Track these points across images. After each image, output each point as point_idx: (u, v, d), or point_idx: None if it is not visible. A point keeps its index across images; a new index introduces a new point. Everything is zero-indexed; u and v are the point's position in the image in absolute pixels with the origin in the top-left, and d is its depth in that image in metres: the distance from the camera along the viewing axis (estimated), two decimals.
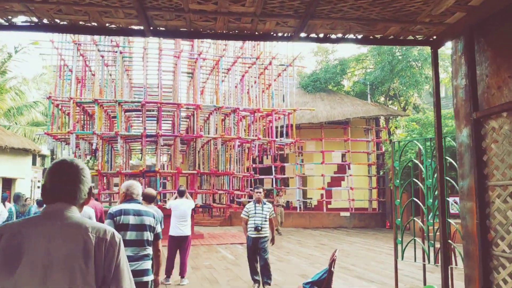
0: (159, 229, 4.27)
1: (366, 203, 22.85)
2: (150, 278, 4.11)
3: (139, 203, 4.27)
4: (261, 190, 7.55)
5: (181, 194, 8.76)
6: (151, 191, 6.42)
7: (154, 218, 4.20)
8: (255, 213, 7.37)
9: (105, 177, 17.14)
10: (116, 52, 14.70)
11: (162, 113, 17.47)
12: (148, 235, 4.11)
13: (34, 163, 33.02)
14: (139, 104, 15.16)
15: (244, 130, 17.59)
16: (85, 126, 16.26)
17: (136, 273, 3.85)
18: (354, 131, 22.99)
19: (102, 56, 15.44)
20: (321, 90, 25.42)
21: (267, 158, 22.36)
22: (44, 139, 20.50)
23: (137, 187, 4.29)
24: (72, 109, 14.40)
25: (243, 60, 16.94)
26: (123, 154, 15.85)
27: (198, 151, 17.11)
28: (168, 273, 8.48)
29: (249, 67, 16.60)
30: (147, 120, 18.31)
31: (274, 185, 22.69)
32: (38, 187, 29.10)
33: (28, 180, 22.96)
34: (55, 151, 31.62)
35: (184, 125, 19.95)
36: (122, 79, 16.29)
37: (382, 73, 23.46)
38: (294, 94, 17.99)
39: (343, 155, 23.08)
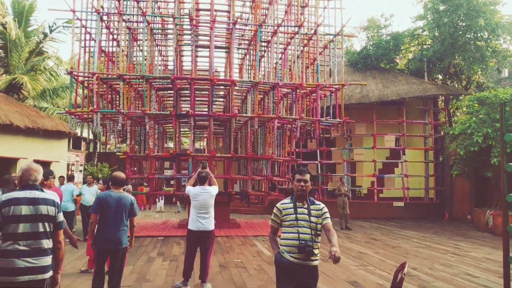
0: (60, 217, 3.74)
1: (422, 192, 20.62)
2: (47, 275, 3.57)
3: (37, 189, 3.67)
4: (307, 176, 4.10)
5: (202, 181, 7.08)
6: (119, 174, 5.56)
7: (54, 206, 3.68)
8: (297, 219, 3.98)
9: (136, 161, 16.01)
10: (143, 22, 13.25)
11: (197, 92, 16.06)
12: (46, 226, 3.61)
13: (78, 147, 32.92)
14: (169, 81, 13.76)
15: (286, 110, 15.84)
16: (114, 106, 15.04)
17: (31, 271, 3.46)
18: (409, 113, 20.69)
19: (129, 28, 14.10)
20: (372, 67, 23.19)
21: (311, 141, 20.51)
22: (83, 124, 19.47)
23: (35, 171, 3.72)
24: (96, 86, 13.17)
25: (285, 29, 15.07)
26: (153, 135, 14.53)
27: (235, 134, 15.57)
28: (186, 275, 6.97)
29: (291, 38, 14.73)
30: (181, 100, 16.99)
31: (319, 172, 20.88)
32: (81, 171, 28.71)
33: (64, 163, 22.29)
34: (99, 134, 31.14)
35: (221, 106, 18.48)
36: (152, 54, 14.92)
37: (441, 48, 20.88)
38: (342, 70, 15.96)
39: (397, 139, 20.89)
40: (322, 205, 4.13)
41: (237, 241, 12.14)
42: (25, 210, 3.51)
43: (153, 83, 14.10)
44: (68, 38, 60.11)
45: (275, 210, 4.15)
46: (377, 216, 19.57)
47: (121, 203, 5.51)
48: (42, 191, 3.73)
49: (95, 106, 13.21)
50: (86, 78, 14.74)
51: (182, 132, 19.83)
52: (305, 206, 4.05)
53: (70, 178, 12.61)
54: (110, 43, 15.32)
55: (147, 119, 13.04)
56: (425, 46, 24.40)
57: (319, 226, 3.99)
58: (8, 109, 18.35)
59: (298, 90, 14.22)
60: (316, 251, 3.93)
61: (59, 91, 22.91)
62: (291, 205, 4.07)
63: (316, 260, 3.99)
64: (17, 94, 22.17)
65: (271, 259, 9.41)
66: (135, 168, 16.38)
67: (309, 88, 14.78)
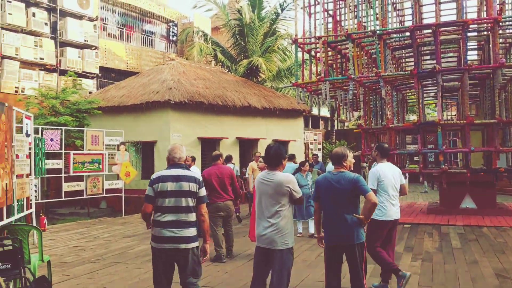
0: (202, 192, 3.98)
1: None
2: (191, 245, 3.86)
3: (182, 167, 4.01)
4: None
5: (383, 153, 5.46)
6: (338, 149, 4.52)
7: (196, 182, 3.96)
8: None
9: (372, 135, 14.06)
10: None
11: (442, 47, 12.99)
12: (189, 201, 3.93)
13: (317, 126, 33.13)
14: (407, 35, 11.26)
15: None
16: (344, 73, 13.34)
17: (175, 240, 3.81)
18: None
19: None
20: None
21: None
22: (314, 98, 18.56)
23: (179, 150, 4.08)
24: (323, 52, 11.68)
25: None
26: (391, 103, 12.26)
27: (499, 93, 11.95)
28: (385, 277, 5.28)
29: None
30: (422, 60, 14.19)
31: None
32: (319, 149, 28.56)
33: (301, 142, 22.05)
34: (331, 110, 30.43)
35: (475, 60, 14.79)
36: (385, 7, 12.59)
37: None
38: None
39: None
40: None
41: (511, 233, 8.96)
42: (170, 186, 3.88)
43: (387, 41, 11.82)
44: (299, 14, 59.92)
45: None
46: None
47: (342, 186, 4.20)
48: (187, 169, 4.04)
49: (322, 75, 11.78)
50: (313, 46, 13.45)
51: (425, 101, 16.87)
52: None
53: (228, 159, 10.88)
54: (337, 5, 13.63)
55: (382, 83, 10.87)
56: None
57: None
58: (247, 91, 18.92)
59: None
60: None
61: (293, 70, 22.76)
62: None
63: None
64: (255, 77, 22.94)
65: None
66: (373, 145, 14.48)
67: None
